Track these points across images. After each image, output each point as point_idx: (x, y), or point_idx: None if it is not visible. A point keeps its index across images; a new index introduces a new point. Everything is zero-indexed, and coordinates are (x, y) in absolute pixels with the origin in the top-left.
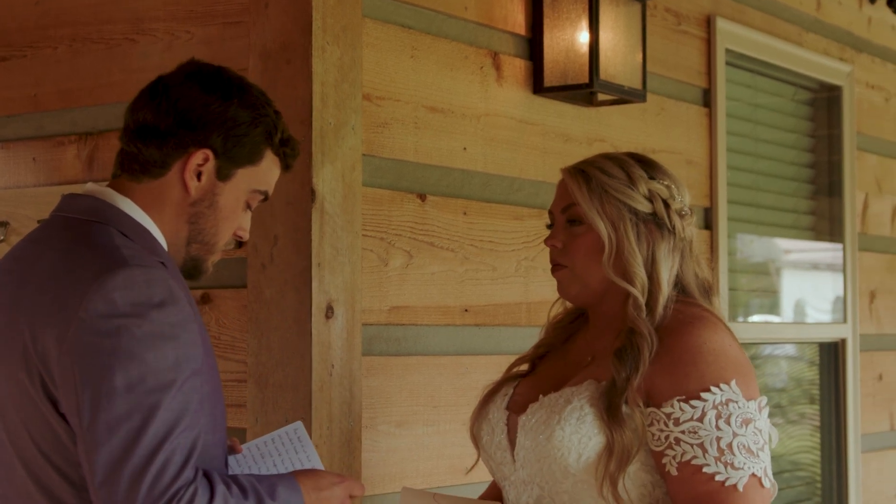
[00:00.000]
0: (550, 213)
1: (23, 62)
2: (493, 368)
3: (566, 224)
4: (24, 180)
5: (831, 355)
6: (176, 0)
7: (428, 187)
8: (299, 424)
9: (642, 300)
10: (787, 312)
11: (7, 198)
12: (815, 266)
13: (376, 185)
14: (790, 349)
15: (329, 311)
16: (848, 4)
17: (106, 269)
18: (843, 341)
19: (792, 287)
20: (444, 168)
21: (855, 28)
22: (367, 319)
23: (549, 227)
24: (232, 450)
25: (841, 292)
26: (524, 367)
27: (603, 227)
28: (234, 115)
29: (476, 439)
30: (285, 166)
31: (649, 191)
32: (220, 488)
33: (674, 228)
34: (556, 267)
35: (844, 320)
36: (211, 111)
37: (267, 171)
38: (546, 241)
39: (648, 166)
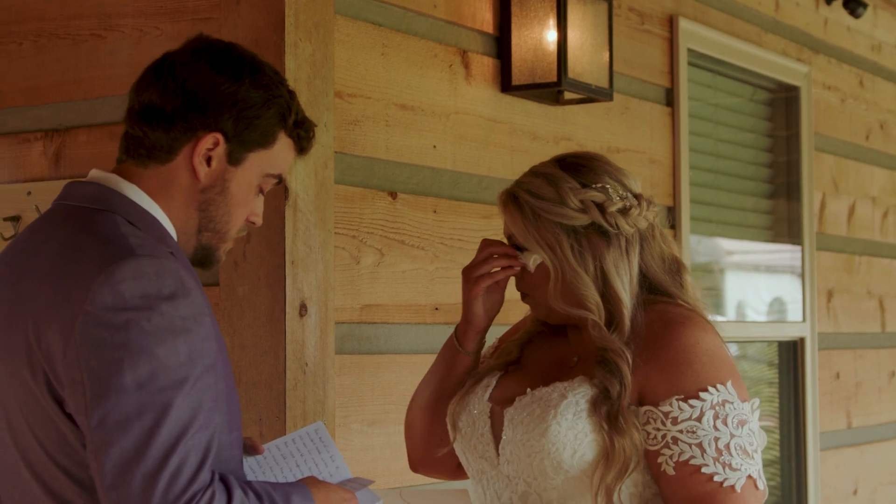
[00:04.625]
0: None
1: None
2: None
3: (517, 251)
4: None
5: (790, 354)
6: None
7: (398, 185)
8: (320, 425)
9: (601, 321)
10: (743, 312)
11: None
12: (773, 265)
13: (348, 183)
14: (749, 348)
15: (303, 309)
16: (805, 5)
17: (112, 259)
18: (802, 340)
19: (748, 286)
20: (414, 166)
21: (812, 29)
22: (339, 318)
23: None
24: (253, 450)
25: (797, 292)
26: (511, 355)
27: (544, 255)
28: (245, 96)
29: (455, 428)
30: (300, 149)
31: (581, 202)
32: (238, 493)
33: (619, 228)
34: (521, 295)
35: (803, 319)
36: (221, 92)
37: (280, 154)
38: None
39: (579, 173)
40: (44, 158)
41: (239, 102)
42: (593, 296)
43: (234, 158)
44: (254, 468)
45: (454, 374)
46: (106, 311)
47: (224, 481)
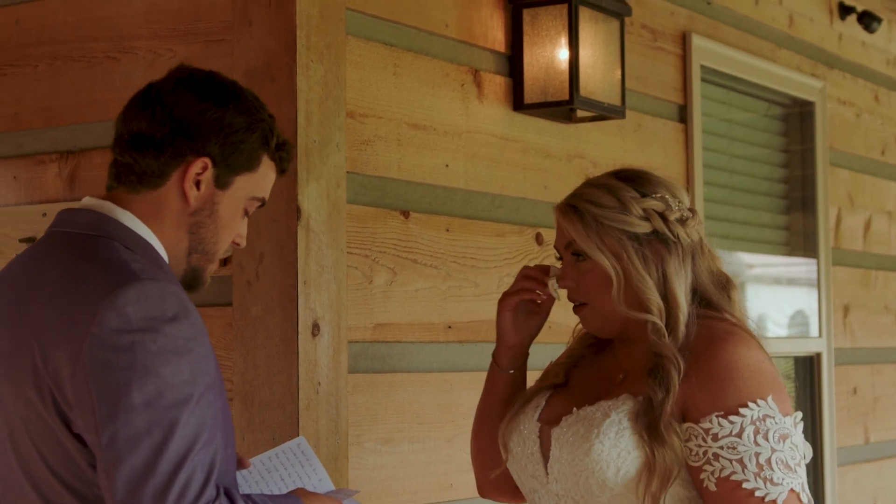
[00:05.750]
0: (556, 249)
1: (3, 80)
2: (477, 385)
3: (573, 260)
4: (4, 199)
5: (806, 369)
6: (158, 18)
7: (411, 204)
8: (302, 439)
9: (662, 324)
10: (761, 327)
11: None
12: (788, 280)
13: (360, 203)
14: None
15: (315, 329)
16: (819, 21)
17: (117, 283)
18: (818, 355)
19: (765, 301)
20: (426, 185)
21: (826, 44)
22: (352, 337)
23: (559, 257)
24: (240, 464)
25: (812, 306)
26: (558, 378)
27: (607, 262)
28: (230, 122)
29: (506, 448)
30: (281, 171)
31: (644, 210)
32: None
33: (678, 238)
34: (575, 305)
35: (819, 335)
36: (207, 118)
37: (264, 178)
38: (559, 284)
39: (637, 183)
40: (59, 180)
41: (225, 128)
42: (656, 299)
43: (221, 182)
44: (240, 482)
45: (495, 393)
46: (113, 334)
47: (228, 495)
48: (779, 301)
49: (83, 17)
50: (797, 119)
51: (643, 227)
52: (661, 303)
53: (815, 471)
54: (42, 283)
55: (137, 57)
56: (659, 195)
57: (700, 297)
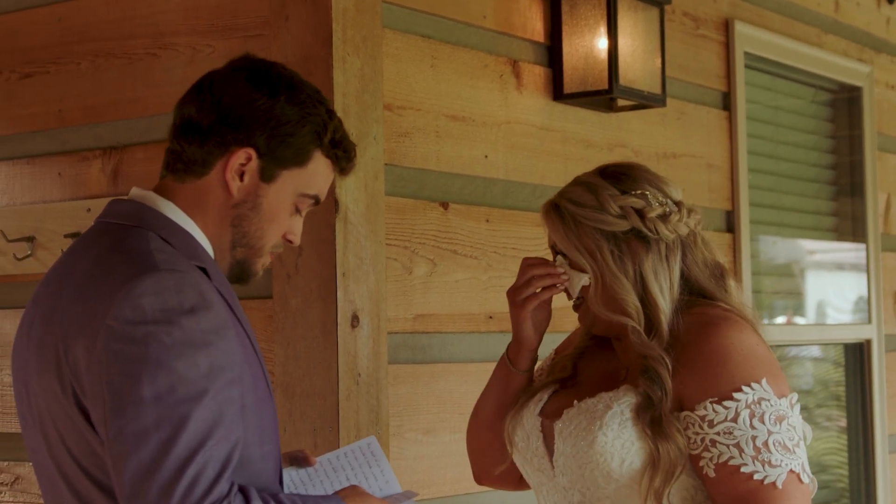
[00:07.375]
0: (550, 248)
1: (46, 78)
2: None
3: (561, 260)
4: (49, 195)
5: (857, 356)
6: (197, 14)
7: (450, 195)
8: (373, 439)
9: (640, 327)
10: (811, 314)
11: (33, 213)
12: (839, 267)
13: (399, 195)
14: (815, 351)
15: (355, 321)
16: (866, 5)
17: (135, 274)
18: (869, 342)
19: (815, 288)
20: (465, 176)
21: (873, 28)
22: (392, 328)
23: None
24: (305, 462)
25: (864, 293)
26: (565, 370)
27: (584, 261)
28: (279, 113)
29: (511, 443)
30: (340, 170)
31: (621, 207)
32: (256, 503)
33: (659, 234)
34: (574, 303)
35: (869, 321)
36: (255, 108)
37: (316, 175)
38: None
39: (619, 181)
40: (102, 176)
41: (273, 119)
42: (633, 301)
43: (266, 175)
44: (304, 480)
45: (511, 392)
46: (126, 326)
47: (243, 492)
48: (828, 287)
49: (124, 14)
50: (845, 104)
51: (620, 226)
52: (638, 304)
53: (866, 458)
54: (76, 274)
55: (177, 53)
56: (639, 192)
57: (693, 289)
